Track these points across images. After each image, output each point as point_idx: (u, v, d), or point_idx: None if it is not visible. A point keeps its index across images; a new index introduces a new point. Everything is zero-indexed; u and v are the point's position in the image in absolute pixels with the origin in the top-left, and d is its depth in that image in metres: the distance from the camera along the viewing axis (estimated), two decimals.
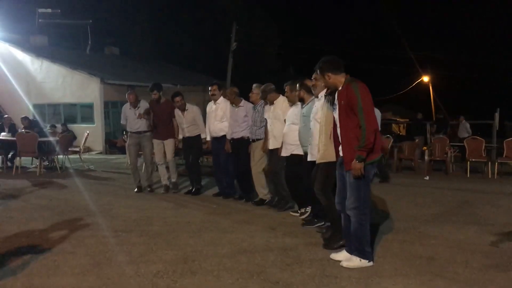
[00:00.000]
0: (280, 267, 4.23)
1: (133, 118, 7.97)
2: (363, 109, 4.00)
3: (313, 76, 5.15)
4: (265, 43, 29.73)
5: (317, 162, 4.90)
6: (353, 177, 4.12)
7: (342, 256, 4.37)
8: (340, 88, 4.26)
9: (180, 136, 7.96)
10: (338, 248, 4.64)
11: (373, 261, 4.30)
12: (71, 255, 4.59)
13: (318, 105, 5.09)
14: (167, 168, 8.25)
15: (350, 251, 4.33)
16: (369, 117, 4.02)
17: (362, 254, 4.23)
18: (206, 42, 29.29)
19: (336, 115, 4.35)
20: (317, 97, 5.13)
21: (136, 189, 8.15)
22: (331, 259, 4.39)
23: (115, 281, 3.91)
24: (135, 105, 7.95)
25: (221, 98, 7.55)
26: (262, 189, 6.99)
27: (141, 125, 7.97)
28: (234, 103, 7.21)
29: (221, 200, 7.44)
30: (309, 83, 5.39)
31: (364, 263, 4.22)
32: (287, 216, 6.25)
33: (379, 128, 8.77)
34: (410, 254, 4.60)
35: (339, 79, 4.25)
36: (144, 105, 7.97)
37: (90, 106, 18.47)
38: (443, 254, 4.59)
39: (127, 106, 8.08)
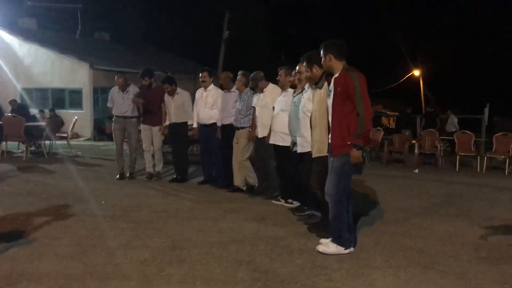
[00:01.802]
0: (270, 256, 4.18)
1: (120, 102, 7.83)
2: (362, 97, 4.05)
3: (297, 68, 5.15)
4: (257, 30, 29.53)
5: (313, 156, 4.83)
6: (333, 163, 4.19)
7: (324, 242, 4.39)
8: (336, 74, 4.25)
9: (167, 122, 7.84)
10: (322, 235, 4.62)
11: (352, 248, 4.32)
12: (56, 241, 4.50)
13: (306, 97, 5.11)
14: (153, 155, 8.15)
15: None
16: (367, 105, 4.07)
17: (338, 241, 4.27)
18: (197, 28, 28.98)
19: (329, 101, 4.33)
20: (303, 89, 5.13)
21: (118, 176, 8.03)
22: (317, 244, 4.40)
23: (101, 268, 3.83)
24: (123, 89, 7.82)
25: (212, 85, 7.47)
26: (249, 176, 6.92)
27: (128, 109, 7.83)
28: (227, 88, 7.13)
29: (209, 188, 7.36)
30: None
31: (340, 249, 4.25)
32: (277, 206, 6.19)
33: None
34: (400, 246, 4.57)
35: (338, 65, 4.25)
36: (133, 89, 7.83)
37: (79, 92, 18.20)
38: (433, 247, 4.58)
39: (115, 90, 7.94)
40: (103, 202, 6.28)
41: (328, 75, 4.52)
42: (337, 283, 3.62)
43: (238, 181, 6.98)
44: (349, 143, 4.09)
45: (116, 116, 7.96)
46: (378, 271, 3.89)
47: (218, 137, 7.21)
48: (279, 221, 5.44)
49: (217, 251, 4.29)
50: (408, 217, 5.81)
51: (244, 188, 6.95)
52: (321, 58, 4.35)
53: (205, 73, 7.45)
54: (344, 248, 4.27)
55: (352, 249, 4.33)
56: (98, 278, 3.63)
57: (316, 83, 4.83)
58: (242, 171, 6.91)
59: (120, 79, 7.83)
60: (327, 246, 4.30)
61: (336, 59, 4.25)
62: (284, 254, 4.26)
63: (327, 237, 4.44)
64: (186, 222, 5.32)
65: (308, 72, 4.82)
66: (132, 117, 7.90)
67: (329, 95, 4.37)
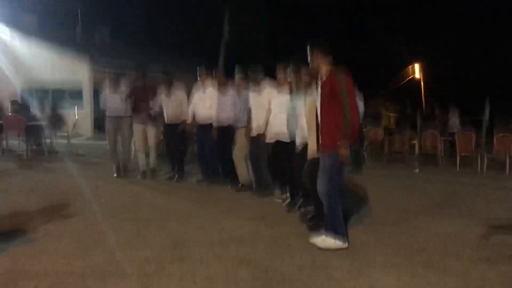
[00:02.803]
0: (270, 256, 4.17)
1: (112, 102, 7.80)
2: (348, 97, 4.16)
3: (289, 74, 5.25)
4: (258, 27, 29.47)
5: (308, 157, 4.88)
6: (323, 161, 4.29)
7: (320, 239, 4.46)
8: (323, 76, 4.37)
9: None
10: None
11: (347, 243, 4.38)
12: (56, 239, 4.49)
13: (299, 99, 5.33)
14: (147, 155, 8.15)
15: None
16: (353, 107, 4.18)
17: (335, 236, 4.34)
18: (198, 26, 28.95)
19: (317, 103, 4.46)
20: (300, 90, 5.29)
21: (115, 174, 8.02)
22: (312, 242, 4.45)
23: (101, 266, 3.82)
24: (115, 89, 7.79)
25: (211, 86, 7.45)
26: (243, 174, 6.95)
27: (121, 109, 7.79)
28: (222, 93, 7.18)
29: (209, 187, 7.35)
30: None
31: (338, 244, 4.33)
32: (277, 205, 6.18)
33: (360, 121, 8.81)
34: (401, 246, 4.56)
35: (322, 65, 4.37)
36: (125, 86, 7.81)
37: (79, 91, 18.19)
38: (434, 246, 4.56)
39: (106, 91, 7.91)
40: (103, 200, 6.27)
41: (315, 78, 4.66)
42: (337, 282, 3.60)
43: (243, 178, 6.99)
44: (338, 143, 4.18)
45: (109, 116, 7.92)
46: (379, 270, 3.87)
47: (214, 137, 7.19)
48: (279, 220, 5.43)
49: (217, 250, 4.27)
50: (409, 217, 5.80)
51: (254, 185, 6.92)
52: (311, 54, 4.43)
53: (203, 72, 7.48)
54: (342, 242, 4.34)
55: (347, 244, 4.38)
56: (98, 276, 3.62)
57: (305, 86, 4.97)
58: (239, 167, 6.93)
59: (110, 78, 7.80)
60: (324, 241, 4.37)
61: (321, 56, 4.36)
62: (284, 253, 4.25)
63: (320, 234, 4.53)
64: (186, 220, 5.30)
65: (296, 77, 4.97)
66: (125, 117, 7.87)
67: (316, 97, 4.51)
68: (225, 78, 7.36)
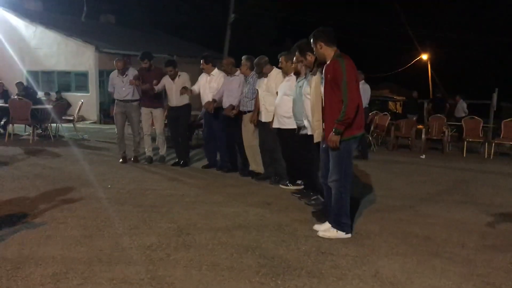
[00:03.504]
0: (275, 242, 4.18)
1: (120, 86, 7.80)
2: (347, 84, 4.06)
3: (295, 59, 5.16)
4: (263, 15, 29.22)
5: (315, 141, 4.84)
6: (331, 150, 4.22)
7: (323, 227, 4.47)
8: (328, 62, 4.27)
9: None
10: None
11: (351, 234, 4.37)
12: (62, 225, 4.51)
13: (306, 82, 5.20)
14: (153, 138, 8.13)
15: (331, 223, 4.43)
16: (352, 92, 4.07)
17: (339, 226, 4.34)
18: (203, 12, 28.73)
19: (322, 89, 4.39)
20: (306, 74, 5.20)
21: (120, 160, 8.05)
22: (314, 230, 4.49)
23: (108, 253, 3.84)
24: (123, 72, 7.79)
25: (216, 70, 7.43)
26: (255, 162, 6.93)
27: (128, 93, 7.79)
28: (229, 73, 7.09)
29: (214, 173, 7.36)
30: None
31: (341, 234, 4.32)
32: (282, 192, 6.18)
33: (366, 105, 8.81)
34: (406, 233, 4.56)
35: (329, 52, 4.27)
36: (132, 72, 7.79)
37: (84, 75, 18.16)
38: (440, 234, 4.56)
39: (114, 74, 7.91)
40: (109, 186, 6.29)
41: (320, 63, 4.59)
42: (342, 269, 3.61)
43: (253, 165, 6.97)
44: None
45: (117, 100, 7.94)
46: (384, 258, 3.88)
47: (227, 114, 7.01)
48: (284, 206, 5.43)
49: (222, 237, 4.29)
50: (414, 204, 5.79)
51: (262, 172, 6.91)
52: (314, 45, 4.35)
53: (202, 61, 7.42)
54: (345, 233, 4.33)
55: (350, 234, 4.37)
56: (104, 262, 3.64)
57: (311, 70, 4.93)
58: (250, 155, 6.91)
59: (119, 62, 7.79)
60: (328, 231, 4.37)
61: (326, 46, 4.26)
62: (289, 240, 4.26)
63: (321, 222, 4.58)
64: (191, 207, 5.32)
65: (303, 60, 4.89)
66: (133, 101, 7.87)
67: (322, 82, 4.42)
68: (233, 59, 7.27)
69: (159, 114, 7.91)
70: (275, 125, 6.15)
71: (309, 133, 5.18)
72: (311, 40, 4.38)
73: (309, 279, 3.41)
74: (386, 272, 3.59)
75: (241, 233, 4.40)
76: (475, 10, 29.30)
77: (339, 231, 4.33)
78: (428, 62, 30.47)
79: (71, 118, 12.12)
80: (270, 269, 3.58)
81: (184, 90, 7.29)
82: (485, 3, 28.07)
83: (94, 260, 3.67)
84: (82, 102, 12.60)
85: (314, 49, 4.38)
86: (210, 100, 7.26)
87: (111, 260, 3.68)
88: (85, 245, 4.00)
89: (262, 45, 24.98)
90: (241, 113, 6.88)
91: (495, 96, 15.33)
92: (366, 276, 3.49)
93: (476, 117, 11.49)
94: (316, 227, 4.56)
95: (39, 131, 11.32)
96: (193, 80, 7.75)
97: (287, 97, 5.86)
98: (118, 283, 3.27)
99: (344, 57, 4.16)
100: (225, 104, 7.06)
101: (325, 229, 4.40)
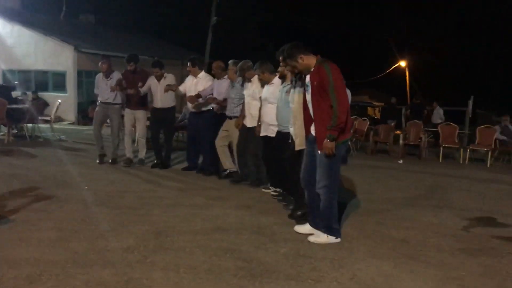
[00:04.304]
0: (254, 245, 4.17)
1: (104, 89, 7.75)
2: (335, 89, 4.05)
3: (281, 65, 5.15)
4: (246, 18, 29.27)
5: (296, 149, 4.85)
6: (324, 156, 4.17)
7: (306, 229, 4.51)
8: (312, 69, 4.27)
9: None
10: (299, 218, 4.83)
11: (340, 238, 4.39)
12: (37, 227, 4.43)
13: (288, 89, 5.23)
14: (133, 140, 8.08)
15: (315, 226, 4.44)
16: (341, 97, 4.07)
17: (329, 231, 4.35)
18: (186, 14, 28.60)
19: (308, 96, 4.35)
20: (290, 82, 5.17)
21: (97, 160, 7.94)
22: (295, 231, 4.53)
23: (83, 254, 3.78)
24: (107, 75, 7.73)
25: (202, 73, 7.39)
26: (227, 161, 6.96)
27: (110, 96, 7.73)
28: (218, 77, 7.07)
29: (194, 176, 7.33)
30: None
31: (331, 239, 4.33)
32: (262, 194, 6.19)
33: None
34: (384, 236, 4.61)
35: (311, 60, 4.28)
36: (117, 76, 7.71)
37: (62, 75, 17.88)
38: (416, 237, 4.62)
39: (100, 76, 7.88)
40: (86, 187, 6.20)
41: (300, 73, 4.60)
42: (321, 272, 3.62)
43: (227, 164, 6.97)
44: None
45: (100, 101, 7.90)
46: (362, 261, 3.91)
47: (190, 101, 7.08)
48: (264, 209, 5.43)
49: (201, 239, 4.26)
50: (392, 208, 5.86)
51: (236, 169, 6.90)
52: (295, 61, 4.32)
53: (188, 64, 7.38)
54: (335, 237, 4.35)
55: (339, 239, 4.39)
56: (80, 264, 3.58)
57: (296, 75, 4.85)
58: (220, 154, 6.92)
59: (104, 65, 7.73)
60: (318, 236, 4.37)
61: (307, 56, 4.27)
62: (268, 242, 4.26)
63: (302, 223, 4.64)
64: (170, 209, 5.28)
65: (296, 65, 4.74)
66: (114, 104, 7.80)
67: (307, 90, 4.38)
68: (222, 63, 7.24)
69: (141, 117, 7.83)
70: (263, 133, 6.10)
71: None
72: (289, 59, 4.37)
73: (287, 282, 3.41)
74: (363, 275, 3.62)
75: (220, 236, 4.39)
76: (453, 18, 29.90)
77: (329, 236, 4.33)
78: (406, 69, 30.94)
79: (48, 118, 11.92)
80: (248, 271, 3.57)
81: (169, 87, 7.25)
82: (463, 12, 28.66)
83: (69, 262, 3.60)
84: (60, 102, 12.39)
85: (296, 64, 4.34)
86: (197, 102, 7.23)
87: (86, 263, 3.62)
88: (60, 247, 3.93)
89: (244, 49, 24.99)
90: (225, 117, 6.86)
91: (470, 103, 15.66)
92: (343, 279, 3.52)
93: (452, 124, 11.70)
94: (297, 228, 4.60)
95: (15, 131, 11.10)
96: (178, 83, 7.73)
97: (270, 105, 5.83)
98: (94, 286, 3.22)
99: (328, 62, 4.17)
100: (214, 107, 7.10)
101: (315, 235, 4.38)
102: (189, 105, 7.41)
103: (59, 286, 3.20)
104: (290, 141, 5.43)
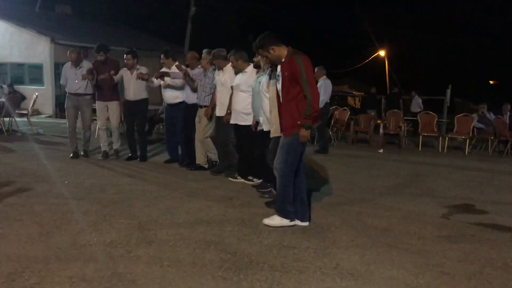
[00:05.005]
0: (238, 237, 4.18)
1: (73, 79, 7.54)
2: (307, 80, 4.21)
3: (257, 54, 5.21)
4: (225, 9, 29.09)
5: (271, 135, 4.94)
6: (282, 140, 4.39)
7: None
8: (283, 59, 4.39)
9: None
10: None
11: (296, 221, 4.50)
12: (18, 223, 4.35)
13: (263, 79, 5.35)
14: (109, 134, 7.97)
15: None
16: (313, 87, 4.25)
17: (283, 214, 4.48)
18: (165, 4, 28.25)
19: (279, 86, 4.50)
20: (267, 69, 5.26)
21: (71, 155, 7.81)
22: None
23: (65, 250, 3.73)
24: (76, 64, 7.55)
25: (174, 66, 7.30)
26: (211, 152, 6.97)
27: (81, 86, 7.54)
28: (192, 67, 7.04)
29: (175, 168, 7.30)
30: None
31: (285, 222, 4.47)
32: (244, 186, 6.19)
33: (327, 100, 9.15)
34: (365, 225, 4.66)
35: (282, 51, 4.41)
36: (86, 65, 7.56)
37: (39, 67, 17.54)
38: (397, 226, 4.69)
39: (68, 65, 7.64)
40: (66, 182, 6.12)
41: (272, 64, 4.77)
42: (304, 262, 3.65)
43: (200, 159, 6.97)
44: (298, 123, 4.26)
45: (69, 93, 7.66)
46: (345, 250, 3.95)
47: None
48: (246, 201, 5.44)
49: (184, 232, 4.25)
50: (373, 197, 5.93)
51: (206, 166, 6.96)
52: (267, 51, 4.44)
53: (162, 56, 7.30)
54: (288, 220, 4.47)
55: (297, 221, 4.51)
56: (62, 260, 3.53)
57: (271, 65, 4.96)
58: (204, 148, 6.91)
59: (73, 54, 7.55)
60: (271, 219, 4.51)
61: (278, 47, 4.39)
62: (252, 234, 4.27)
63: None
64: (152, 202, 5.24)
65: (267, 55, 4.74)
66: (85, 95, 7.63)
67: (277, 80, 4.53)
68: (196, 53, 7.20)
69: (115, 108, 7.71)
70: (233, 121, 6.16)
71: (265, 129, 5.33)
72: (261, 49, 4.49)
73: (271, 273, 3.43)
74: (346, 264, 3.66)
75: (203, 228, 4.38)
76: (431, 9, 30.21)
77: (283, 219, 4.47)
78: (386, 59, 31.17)
79: (25, 112, 11.70)
80: (232, 263, 3.58)
81: (142, 75, 7.17)
82: (442, 3, 29.00)
83: (52, 258, 3.56)
84: (37, 95, 12.16)
85: (267, 55, 4.49)
86: (171, 94, 7.19)
87: (69, 258, 3.58)
88: (41, 243, 3.87)
89: (224, 40, 24.86)
90: (196, 106, 6.86)
91: (448, 92, 15.92)
92: (327, 268, 3.55)
93: (431, 113, 11.87)
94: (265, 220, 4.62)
95: None
96: (152, 74, 7.62)
97: (244, 94, 5.90)
98: (78, 281, 3.19)
99: (299, 54, 4.31)
100: (187, 97, 7.06)
101: (269, 218, 4.53)
102: (164, 95, 7.35)
103: (41, 282, 3.15)
104: (255, 129, 5.58)
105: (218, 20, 28.97)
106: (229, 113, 6.25)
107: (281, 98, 4.49)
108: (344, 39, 31.99)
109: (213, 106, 6.60)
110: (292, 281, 3.32)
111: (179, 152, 7.64)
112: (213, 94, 6.60)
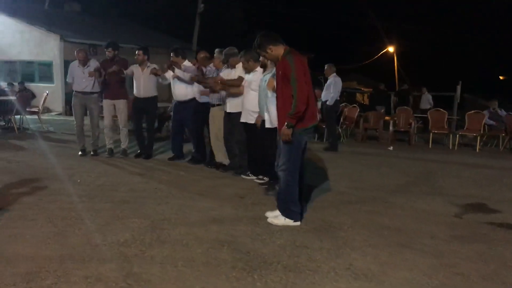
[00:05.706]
0: (251, 237, 4.19)
1: (80, 77, 7.56)
2: (296, 80, 4.24)
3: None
4: (232, 5, 29.05)
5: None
6: (282, 142, 4.40)
7: (274, 214, 4.65)
8: (279, 59, 4.46)
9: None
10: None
11: (300, 221, 4.54)
12: (32, 222, 4.39)
13: (268, 77, 5.45)
14: (115, 131, 8.05)
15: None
16: (301, 86, 4.24)
17: (287, 214, 4.51)
18: (173, 1, 28.24)
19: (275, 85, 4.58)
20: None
21: (80, 153, 7.85)
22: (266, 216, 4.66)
23: (80, 250, 3.76)
24: (84, 63, 7.56)
25: (186, 61, 7.33)
26: (221, 154, 6.95)
27: (88, 85, 7.56)
28: (204, 66, 7.06)
29: (185, 166, 7.33)
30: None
31: (289, 222, 4.50)
32: (255, 184, 6.20)
33: (337, 97, 9.14)
34: (378, 225, 4.65)
35: (280, 51, 4.45)
36: (94, 64, 7.58)
37: (49, 65, 17.65)
38: (410, 225, 4.68)
39: (75, 64, 7.65)
40: (78, 180, 6.16)
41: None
42: (318, 262, 3.66)
43: (220, 157, 6.97)
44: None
45: (75, 91, 7.68)
46: (358, 250, 3.95)
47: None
48: (258, 200, 5.45)
49: (197, 231, 4.27)
50: (384, 195, 5.91)
51: (227, 163, 6.93)
52: (264, 51, 4.49)
53: (172, 54, 7.30)
54: (293, 220, 4.49)
55: (299, 222, 4.52)
56: (77, 260, 3.56)
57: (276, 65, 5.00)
58: (216, 147, 6.93)
59: (80, 53, 7.57)
60: (276, 218, 4.54)
61: (276, 47, 4.43)
62: (264, 234, 4.28)
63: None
64: (164, 201, 5.27)
65: (265, 55, 4.72)
66: (92, 93, 7.65)
67: (275, 79, 4.60)
68: (206, 53, 7.22)
69: (122, 106, 7.72)
70: (243, 119, 6.18)
71: (267, 126, 5.47)
72: (259, 49, 4.54)
73: (285, 273, 3.44)
74: (359, 264, 3.66)
75: (216, 228, 4.40)
76: (441, 4, 29.95)
77: (287, 219, 4.49)
78: (394, 54, 30.97)
79: (36, 109, 11.78)
80: (246, 263, 3.59)
81: (155, 70, 7.20)
82: None
83: (67, 258, 3.59)
84: (48, 93, 12.24)
85: (265, 54, 4.53)
86: (182, 92, 7.22)
87: (84, 258, 3.60)
88: (56, 243, 3.90)
89: (231, 36, 24.84)
90: (209, 107, 6.87)
91: (458, 88, 15.79)
92: (340, 269, 3.55)
93: (441, 109, 11.79)
94: (268, 213, 4.70)
95: (3, 123, 10.97)
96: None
97: (253, 92, 5.94)
98: (93, 282, 3.21)
99: (293, 54, 4.34)
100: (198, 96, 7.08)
101: (274, 216, 4.57)
102: (174, 92, 7.37)
103: (58, 283, 3.18)
104: (260, 125, 5.63)
105: (226, 17, 28.92)
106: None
107: (277, 97, 4.55)
108: (352, 34, 31.83)
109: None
110: (307, 281, 3.32)
111: (182, 149, 7.75)
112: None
